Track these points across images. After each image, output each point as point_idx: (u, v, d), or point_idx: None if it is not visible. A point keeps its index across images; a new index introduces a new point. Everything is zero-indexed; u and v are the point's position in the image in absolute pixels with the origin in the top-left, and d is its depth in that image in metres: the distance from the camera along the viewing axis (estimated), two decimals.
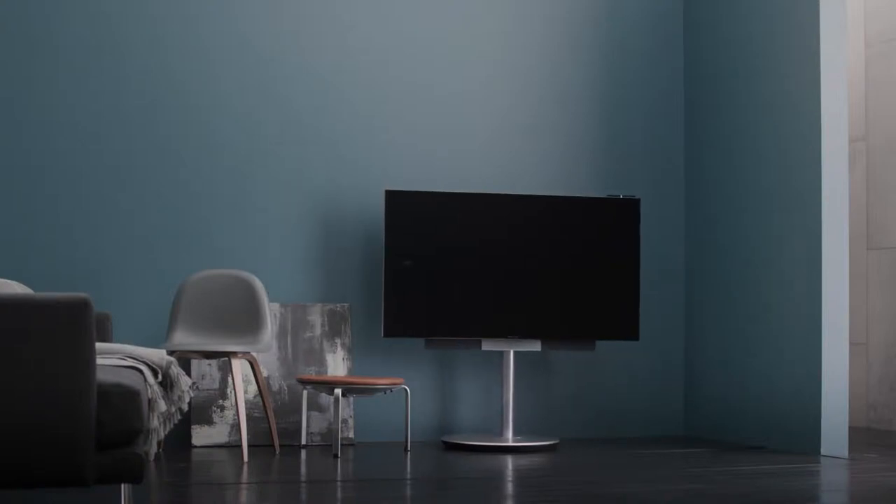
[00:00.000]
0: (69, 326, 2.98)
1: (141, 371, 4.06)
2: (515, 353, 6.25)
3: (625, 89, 6.92)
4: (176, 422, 4.47)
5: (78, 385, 2.97)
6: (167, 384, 4.20)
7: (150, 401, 4.04)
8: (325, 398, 6.24)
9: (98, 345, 4.17)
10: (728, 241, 6.62)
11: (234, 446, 6.05)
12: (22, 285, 4.90)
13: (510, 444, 6.01)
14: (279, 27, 6.36)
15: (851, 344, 7.70)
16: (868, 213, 7.64)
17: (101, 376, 3.11)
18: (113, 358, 4.10)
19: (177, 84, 6.19)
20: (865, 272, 7.64)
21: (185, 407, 4.28)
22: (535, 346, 6.23)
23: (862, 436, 7.06)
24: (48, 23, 5.99)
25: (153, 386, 4.05)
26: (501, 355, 6.26)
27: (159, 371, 4.17)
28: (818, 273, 5.96)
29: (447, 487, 4.64)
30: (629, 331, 6.30)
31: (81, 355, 2.98)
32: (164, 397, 4.16)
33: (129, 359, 4.13)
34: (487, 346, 6.20)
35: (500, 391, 6.63)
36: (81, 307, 2.99)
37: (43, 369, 2.96)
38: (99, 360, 4.05)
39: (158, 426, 4.11)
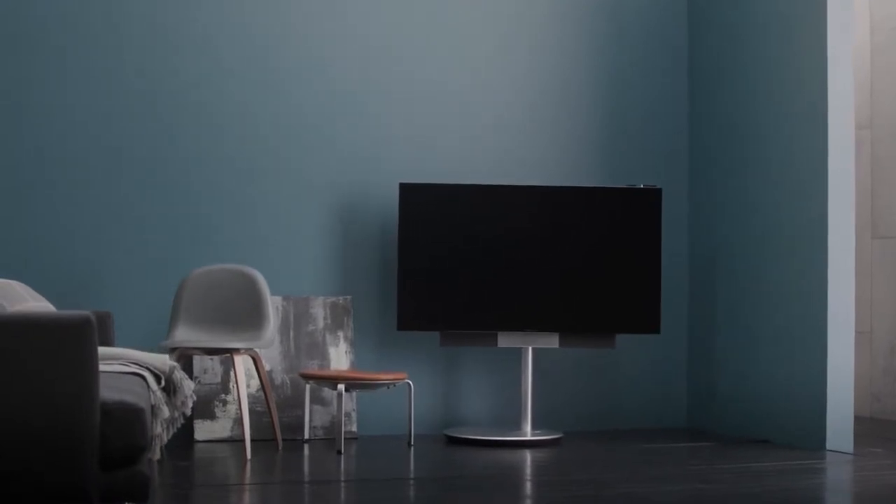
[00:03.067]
0: (72, 345, 2.95)
1: (144, 377, 4.04)
2: (505, 338, 6.20)
3: (629, 79, 6.86)
4: (179, 426, 4.45)
5: (81, 404, 2.94)
6: (170, 389, 4.18)
7: (153, 407, 4.02)
8: (327, 391, 6.22)
9: (100, 350, 4.15)
10: (733, 232, 6.58)
11: (236, 441, 6.03)
12: (23, 285, 4.87)
13: (514, 438, 5.98)
14: (285, 20, 6.30)
15: (855, 333, 7.68)
16: (873, 201, 7.60)
17: (105, 394, 3.08)
18: (115, 364, 4.07)
19: (180, 79, 6.13)
20: (870, 261, 7.61)
21: (188, 412, 4.26)
22: (553, 342, 6.16)
23: (866, 426, 7.04)
24: (48, 18, 5.93)
25: (156, 392, 4.03)
26: (509, 349, 6.22)
27: (162, 377, 4.15)
28: (824, 264, 5.92)
29: (449, 488, 4.62)
30: (650, 324, 6.19)
31: (85, 374, 2.95)
32: (167, 403, 4.14)
33: (131, 364, 4.11)
34: (504, 341, 6.15)
35: (519, 385, 6.61)
36: (84, 325, 2.96)
37: (46, 388, 2.93)
38: (102, 367, 4.02)
39: (162, 432, 4.09)
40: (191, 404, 4.23)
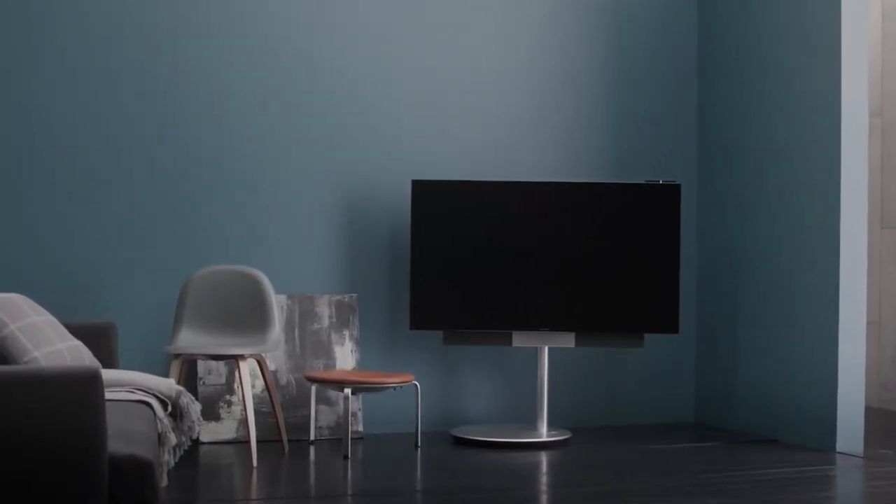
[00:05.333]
0: (79, 399, 2.89)
1: (150, 405, 3.99)
2: (519, 337, 6.11)
3: (637, 71, 6.76)
4: (186, 448, 4.40)
5: (89, 460, 2.88)
6: (177, 415, 4.13)
7: (160, 435, 3.96)
8: (333, 391, 6.17)
9: (106, 375, 4.09)
10: (742, 227, 6.50)
11: (241, 442, 5.98)
12: (25, 298, 4.80)
13: (521, 440, 5.94)
14: (293, 16, 6.19)
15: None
16: (882, 191, 7.52)
17: (113, 446, 3.02)
18: (121, 391, 4.02)
19: (184, 75, 6.03)
20: (878, 251, 7.54)
21: (195, 435, 4.21)
22: (569, 341, 6.06)
23: (874, 418, 7.01)
24: (48, 12, 5.82)
25: (163, 420, 3.97)
26: (512, 346, 6.16)
27: (168, 403, 4.09)
28: (836, 260, 5.84)
29: (456, 503, 4.59)
30: (668, 324, 6.04)
31: (92, 428, 2.89)
32: (174, 429, 4.08)
33: (137, 391, 4.05)
34: (518, 340, 6.07)
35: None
36: (91, 380, 2.89)
37: (53, 444, 2.87)
38: (108, 394, 3.97)
39: (169, 458, 4.04)
40: (197, 429, 4.17)
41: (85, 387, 2.89)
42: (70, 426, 2.89)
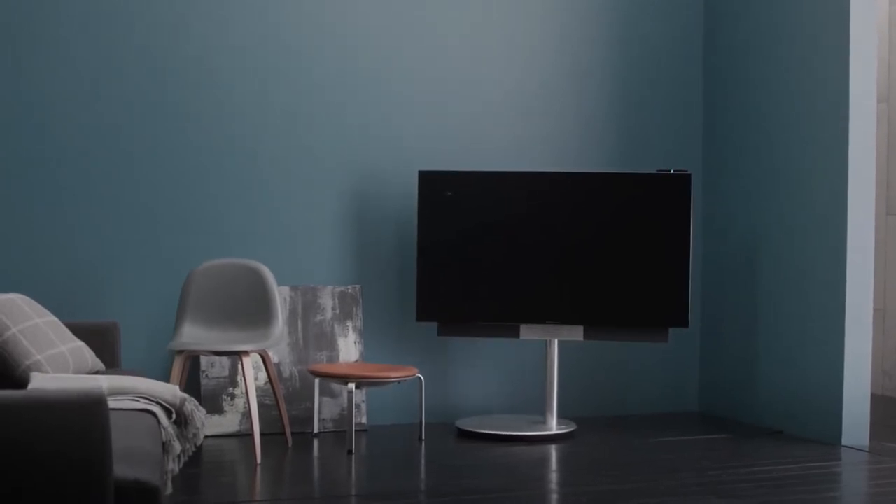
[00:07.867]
0: (83, 424, 2.85)
1: (154, 414, 3.96)
2: (527, 330, 6.04)
3: (643, 59, 6.70)
4: (190, 455, 4.37)
5: (93, 487, 2.85)
6: (181, 422, 4.10)
7: (164, 444, 3.94)
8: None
9: (109, 382, 4.05)
10: (747, 217, 6.46)
11: (245, 435, 5.96)
12: (26, 299, 4.76)
13: (526, 433, 5.91)
14: (296, 5, 6.13)
15: None
16: (889, 177, 7.47)
17: (119, 470, 2.99)
18: (125, 400, 3.98)
19: (187, 61, 5.96)
20: (884, 238, 7.50)
21: (200, 442, 4.18)
22: (577, 334, 5.99)
23: (877, 405, 6.99)
24: (48, 8, 5.75)
25: (167, 428, 3.95)
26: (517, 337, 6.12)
27: (173, 410, 4.06)
28: (843, 252, 5.81)
29: None
30: (678, 318, 5.93)
31: (97, 455, 2.85)
32: (178, 437, 4.05)
33: (141, 399, 4.02)
34: (526, 333, 6.01)
35: (539, 375, 6.53)
36: (95, 406, 2.86)
37: (56, 470, 2.84)
38: (111, 403, 3.94)
39: (173, 466, 4.01)
40: (202, 436, 4.14)
41: (88, 412, 2.86)
42: (74, 452, 2.85)
